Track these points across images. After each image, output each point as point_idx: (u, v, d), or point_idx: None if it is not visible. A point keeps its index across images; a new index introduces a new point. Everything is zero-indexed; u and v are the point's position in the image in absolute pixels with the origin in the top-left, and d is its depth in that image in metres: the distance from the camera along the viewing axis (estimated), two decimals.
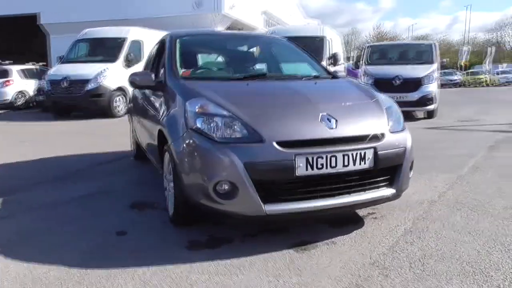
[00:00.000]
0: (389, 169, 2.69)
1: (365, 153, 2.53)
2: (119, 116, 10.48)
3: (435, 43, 11.02)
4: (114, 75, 10.37)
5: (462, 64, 40.78)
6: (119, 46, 10.85)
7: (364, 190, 2.60)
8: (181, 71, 3.34)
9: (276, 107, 2.66)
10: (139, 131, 4.49)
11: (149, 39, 11.75)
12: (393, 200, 2.79)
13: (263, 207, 2.37)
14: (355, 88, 3.23)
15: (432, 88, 9.21)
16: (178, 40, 3.68)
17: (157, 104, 3.32)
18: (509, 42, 63.61)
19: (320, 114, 2.59)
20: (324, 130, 2.50)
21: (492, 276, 2.14)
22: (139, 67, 11.16)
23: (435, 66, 9.74)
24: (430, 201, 3.38)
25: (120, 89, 10.52)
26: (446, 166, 4.61)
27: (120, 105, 10.55)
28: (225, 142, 2.41)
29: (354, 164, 2.50)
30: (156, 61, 4.23)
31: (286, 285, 2.09)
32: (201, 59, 3.84)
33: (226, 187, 2.39)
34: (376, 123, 2.71)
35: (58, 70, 10.80)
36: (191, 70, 3.47)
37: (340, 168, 2.47)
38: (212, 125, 2.49)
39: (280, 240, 2.63)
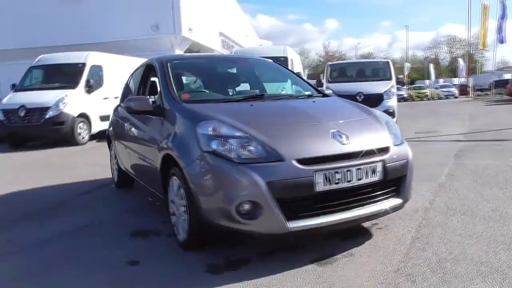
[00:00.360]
0: (395, 180, 2.82)
1: (375, 166, 2.65)
2: (83, 144, 10.13)
3: (389, 61, 11.64)
4: (75, 102, 10.04)
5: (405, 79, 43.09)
6: (78, 72, 10.54)
7: (376, 201, 2.71)
8: (179, 94, 3.34)
9: (287, 126, 2.74)
10: (125, 157, 4.40)
11: (109, 64, 11.60)
12: (400, 209, 2.92)
13: (286, 224, 2.41)
14: (351, 105, 3.38)
15: (392, 102, 9.70)
16: (169, 64, 3.69)
17: (156, 129, 3.29)
18: (443, 59, 68.12)
19: (331, 131, 2.69)
20: (337, 146, 2.60)
21: (507, 273, 2.29)
22: (100, 92, 10.94)
23: (393, 81, 10.28)
24: (423, 208, 3.56)
25: (83, 116, 10.19)
26: (424, 175, 4.85)
27: (82, 132, 10.20)
28: (245, 163, 2.44)
29: (367, 177, 2.61)
30: (141, 86, 4.18)
31: None
32: (194, 82, 3.85)
33: (249, 207, 2.42)
34: (381, 137, 2.85)
35: (13, 98, 10.30)
36: (188, 93, 3.47)
37: (355, 182, 2.57)
38: (228, 146, 2.52)
39: (298, 256, 2.67)
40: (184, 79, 3.71)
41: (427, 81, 49.14)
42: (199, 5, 19.03)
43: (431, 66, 48.21)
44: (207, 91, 3.65)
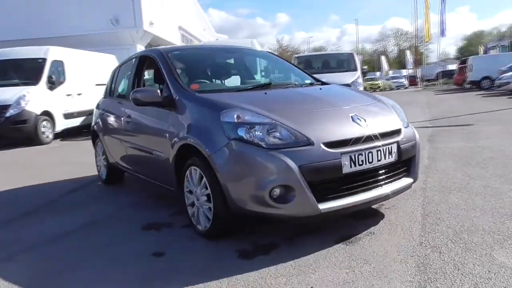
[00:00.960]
0: (406, 161, 2.98)
1: (391, 147, 2.79)
2: (47, 143, 9.70)
3: (354, 52, 12.01)
4: (37, 99, 9.58)
5: None
6: (39, 67, 10.04)
7: (392, 181, 2.86)
8: (188, 85, 3.32)
9: (309, 112, 2.81)
10: (120, 151, 4.31)
11: (71, 59, 11.18)
12: (410, 188, 3.08)
13: (318, 206, 2.49)
14: (356, 92, 3.51)
15: None
16: (170, 55, 3.66)
17: (165, 120, 3.25)
18: (391, 51, 70.87)
19: (350, 115, 2.80)
20: (358, 129, 2.71)
21: None
22: (63, 89, 10.52)
23: (359, 72, 10.62)
24: (420, 188, 3.77)
25: (46, 114, 9.75)
26: None
27: (46, 131, 9.76)
28: (275, 148, 2.49)
29: (385, 158, 2.75)
30: (135, 79, 4.10)
31: (363, 273, 2.24)
32: (196, 72, 3.83)
33: (282, 191, 2.48)
34: (393, 120, 3.00)
35: None
36: (197, 83, 3.46)
37: (375, 163, 2.69)
38: (255, 133, 2.55)
39: (322, 238, 2.77)
40: (185, 69, 3.67)
41: (377, 73, 50.99)
42: None
43: (383, 58, 50.02)
44: (212, 82, 3.65)
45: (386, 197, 2.83)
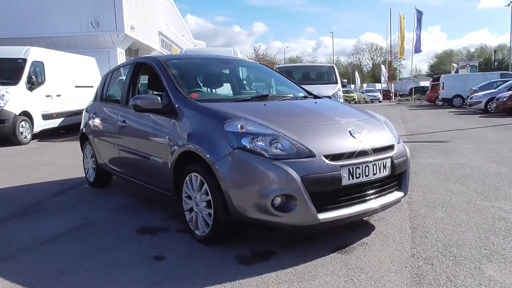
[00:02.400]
0: (398, 175, 3.13)
1: (386, 162, 2.93)
2: (25, 144, 9.50)
3: (334, 65, 12.29)
4: (17, 99, 9.38)
5: None
6: (19, 67, 9.84)
7: (385, 194, 2.99)
8: (188, 93, 3.39)
9: (309, 125, 2.93)
10: (111, 155, 4.31)
11: (51, 60, 11.01)
12: (399, 202, 3.23)
13: (317, 216, 2.59)
14: (349, 107, 3.65)
15: None
16: (168, 63, 3.71)
17: (165, 127, 3.30)
18: (366, 65, 72.57)
19: (347, 130, 2.92)
20: (356, 143, 2.83)
21: (504, 254, 2.67)
22: (42, 90, 10.34)
23: (339, 85, 10.87)
24: (406, 202, 3.92)
25: (25, 114, 9.55)
26: None
27: (25, 131, 9.56)
28: (278, 159, 2.58)
29: (380, 172, 2.88)
30: (131, 86, 4.13)
31: (361, 282, 2.35)
32: (193, 81, 3.90)
33: (284, 200, 2.57)
34: (387, 136, 3.14)
35: None
36: (197, 92, 3.52)
37: (371, 176, 2.82)
38: (258, 143, 2.64)
39: (318, 247, 2.87)
40: (183, 78, 3.73)
41: (352, 86, 52.02)
42: (139, 3, 18.57)
43: (357, 73, 51.14)
44: (214, 91, 3.72)
45: (381, 208, 2.96)
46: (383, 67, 46.50)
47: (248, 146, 2.64)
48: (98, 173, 4.82)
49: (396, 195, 3.10)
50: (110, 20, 15.67)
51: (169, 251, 2.88)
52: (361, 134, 2.93)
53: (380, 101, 38.66)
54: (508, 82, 17.37)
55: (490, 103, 16.11)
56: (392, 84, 42.71)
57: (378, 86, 48.63)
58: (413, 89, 36.95)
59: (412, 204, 3.86)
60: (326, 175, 2.61)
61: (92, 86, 12.14)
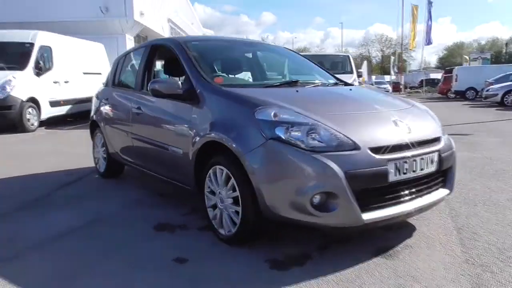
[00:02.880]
0: (444, 171, 2.82)
1: (433, 156, 2.62)
2: (32, 131, 9.25)
3: (349, 55, 11.90)
4: (24, 85, 9.11)
5: None
6: (26, 52, 9.56)
7: (431, 192, 2.69)
8: (212, 78, 3.09)
9: (349, 113, 2.62)
10: (125, 144, 4.03)
11: (59, 45, 10.73)
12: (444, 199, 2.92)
13: (361, 216, 2.29)
14: (387, 95, 3.32)
15: None
16: (188, 45, 3.40)
17: (185, 114, 3.01)
18: (375, 56, 71.67)
19: (391, 119, 2.61)
20: (403, 135, 2.52)
21: None
22: (50, 76, 10.07)
23: (355, 75, 10.52)
24: (445, 199, 3.61)
25: (32, 100, 9.29)
26: None
27: (32, 118, 9.31)
28: (317, 151, 2.28)
29: (427, 167, 2.57)
30: (146, 70, 3.84)
31: None
32: (216, 64, 3.58)
33: (324, 198, 2.27)
34: (432, 127, 2.83)
35: None
36: (221, 77, 3.22)
37: (418, 172, 2.52)
38: (295, 133, 2.34)
39: (356, 250, 2.58)
40: (205, 61, 3.42)
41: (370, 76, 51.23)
42: None
43: (365, 64, 50.38)
44: (240, 76, 3.42)
45: (427, 207, 2.66)
46: (392, 58, 45.76)
47: (283, 137, 2.34)
48: (109, 163, 4.55)
49: (442, 192, 2.78)
50: (119, 6, 15.30)
51: (192, 252, 2.60)
52: (407, 125, 2.62)
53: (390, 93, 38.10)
54: None
55: (507, 96, 15.67)
56: (402, 76, 42.04)
57: (387, 78, 47.92)
58: (424, 81, 36.34)
59: (450, 202, 3.55)
60: (372, 171, 2.30)
61: (100, 73, 11.89)
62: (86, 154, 5.72)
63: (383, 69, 64.79)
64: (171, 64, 3.52)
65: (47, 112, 9.97)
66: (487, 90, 17.40)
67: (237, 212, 2.58)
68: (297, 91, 3.01)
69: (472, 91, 22.36)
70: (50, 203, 3.78)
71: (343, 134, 2.35)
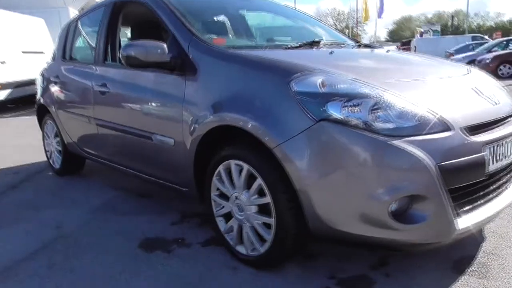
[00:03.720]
0: None
1: None
2: None
3: None
4: None
5: None
6: None
7: None
8: (209, 39, 2.26)
9: (419, 79, 1.90)
10: (89, 133, 3.13)
11: None
12: None
13: (455, 225, 1.59)
14: (433, 58, 2.61)
15: None
16: (172, 0, 2.52)
17: (177, 90, 2.17)
18: None
19: (470, 87, 1.92)
20: (492, 107, 1.84)
21: None
22: None
23: None
24: None
25: None
26: None
27: None
28: (395, 135, 1.54)
29: None
30: (108, 36, 2.93)
31: None
32: (209, 23, 2.71)
33: (407, 205, 1.55)
34: (509, 98, 2.16)
35: None
36: (221, 37, 2.39)
37: (509, 158, 1.85)
38: (359, 110, 1.58)
39: (427, 264, 1.91)
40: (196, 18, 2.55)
41: None
42: None
43: None
44: (244, 37, 2.59)
45: None
46: (346, 31, 45.76)
47: (340, 117, 1.57)
48: (65, 157, 3.61)
49: None
50: None
51: (205, 283, 1.82)
52: (489, 93, 1.94)
53: None
54: (486, 44, 16.91)
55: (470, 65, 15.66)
56: None
57: None
58: None
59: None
60: (469, 160, 1.60)
61: (42, 52, 10.53)
62: (33, 145, 4.72)
63: None
64: (144, 30, 2.65)
65: None
66: (450, 60, 17.36)
67: (266, 225, 1.83)
68: (331, 52, 2.23)
69: None
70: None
71: (428, 109, 1.62)
